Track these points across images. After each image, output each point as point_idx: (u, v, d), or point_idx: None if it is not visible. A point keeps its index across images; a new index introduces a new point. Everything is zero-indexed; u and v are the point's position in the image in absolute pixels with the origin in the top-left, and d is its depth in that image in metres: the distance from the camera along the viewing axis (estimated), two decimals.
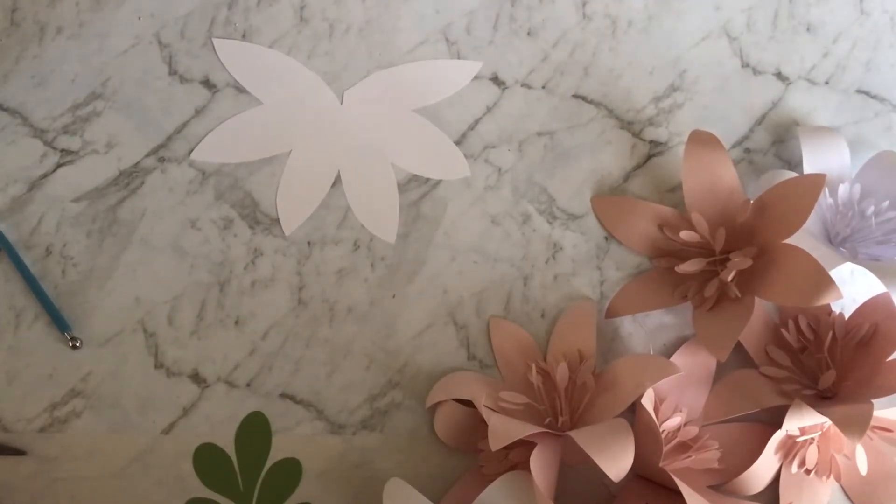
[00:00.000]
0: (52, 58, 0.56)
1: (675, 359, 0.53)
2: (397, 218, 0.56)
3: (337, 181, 0.56)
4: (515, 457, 0.50)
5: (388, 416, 0.54)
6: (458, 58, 0.58)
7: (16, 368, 0.53)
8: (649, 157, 0.57)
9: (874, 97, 0.59)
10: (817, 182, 0.49)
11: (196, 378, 0.54)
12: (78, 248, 0.55)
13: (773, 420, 0.52)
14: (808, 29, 0.59)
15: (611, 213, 0.56)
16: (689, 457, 0.50)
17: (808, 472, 0.52)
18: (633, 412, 0.51)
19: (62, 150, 0.56)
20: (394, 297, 0.55)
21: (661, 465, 0.48)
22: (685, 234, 0.53)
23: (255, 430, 0.53)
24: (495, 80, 0.58)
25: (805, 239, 0.50)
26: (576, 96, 0.58)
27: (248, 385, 0.54)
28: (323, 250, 0.55)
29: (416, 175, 0.56)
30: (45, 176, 0.55)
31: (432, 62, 0.57)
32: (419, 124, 0.57)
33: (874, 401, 0.47)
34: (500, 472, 0.49)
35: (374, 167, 0.56)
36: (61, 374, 0.53)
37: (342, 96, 0.57)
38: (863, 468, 0.51)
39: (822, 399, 0.51)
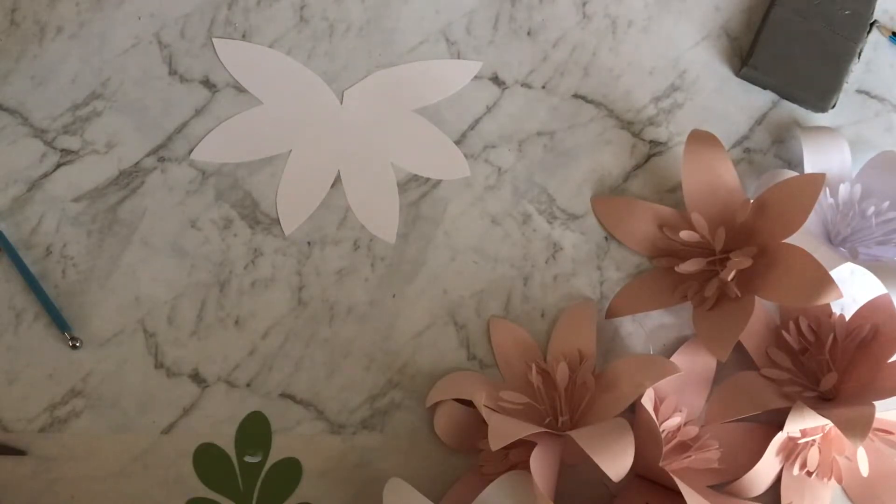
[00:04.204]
0: (52, 58, 0.56)
1: (675, 359, 0.53)
2: (397, 218, 0.56)
3: (337, 181, 0.56)
4: (515, 457, 0.50)
5: (388, 416, 0.54)
6: (459, 58, 0.58)
7: (16, 368, 0.53)
8: (649, 157, 0.57)
9: (874, 97, 0.58)
10: (817, 181, 0.49)
11: (196, 378, 0.54)
12: (78, 248, 0.55)
13: (774, 420, 0.52)
14: None
15: (611, 213, 0.56)
16: (689, 457, 0.50)
17: (809, 473, 0.52)
18: (633, 412, 0.51)
19: (62, 150, 0.56)
20: (394, 297, 0.55)
21: (661, 465, 0.48)
22: (685, 234, 0.53)
23: (255, 430, 0.53)
24: (495, 80, 0.58)
25: (805, 239, 0.50)
26: (576, 96, 0.58)
27: (248, 385, 0.54)
28: (323, 250, 0.55)
29: (416, 175, 0.56)
30: (45, 176, 0.55)
31: (432, 62, 0.57)
32: (419, 124, 0.57)
33: (875, 402, 0.47)
34: (500, 472, 0.49)
35: (374, 167, 0.56)
36: (61, 374, 0.53)
37: (342, 96, 0.57)
38: (864, 470, 0.51)
39: (823, 401, 0.51)
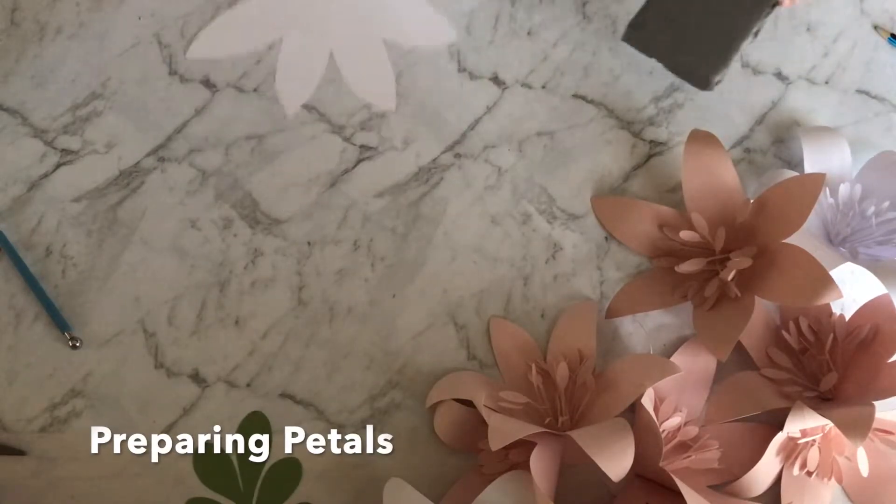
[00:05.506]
0: (52, 58, 0.57)
1: (675, 359, 0.53)
2: (393, 83, 0.55)
3: (331, 59, 0.56)
4: (515, 457, 0.50)
5: (388, 416, 0.54)
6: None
7: (16, 368, 0.53)
8: (649, 157, 0.57)
9: (874, 97, 0.58)
10: (817, 181, 0.49)
11: (196, 378, 0.54)
12: (78, 248, 0.55)
13: (774, 420, 0.51)
14: (808, 29, 0.59)
15: (611, 213, 0.56)
16: (689, 457, 0.50)
17: (809, 473, 0.52)
18: (633, 412, 0.51)
19: (62, 150, 0.56)
20: (394, 297, 0.55)
21: (661, 464, 0.48)
22: (685, 234, 0.53)
23: (255, 430, 0.53)
24: (495, 80, 0.58)
25: (805, 239, 0.50)
26: (576, 96, 0.58)
27: (248, 385, 0.54)
28: (323, 250, 0.55)
29: (408, 48, 0.56)
30: (45, 176, 0.55)
31: None
32: None
33: (875, 402, 0.47)
34: (500, 472, 0.49)
35: (365, 38, 0.56)
36: (61, 374, 0.53)
37: None
38: (864, 470, 0.51)
39: (823, 401, 0.51)
